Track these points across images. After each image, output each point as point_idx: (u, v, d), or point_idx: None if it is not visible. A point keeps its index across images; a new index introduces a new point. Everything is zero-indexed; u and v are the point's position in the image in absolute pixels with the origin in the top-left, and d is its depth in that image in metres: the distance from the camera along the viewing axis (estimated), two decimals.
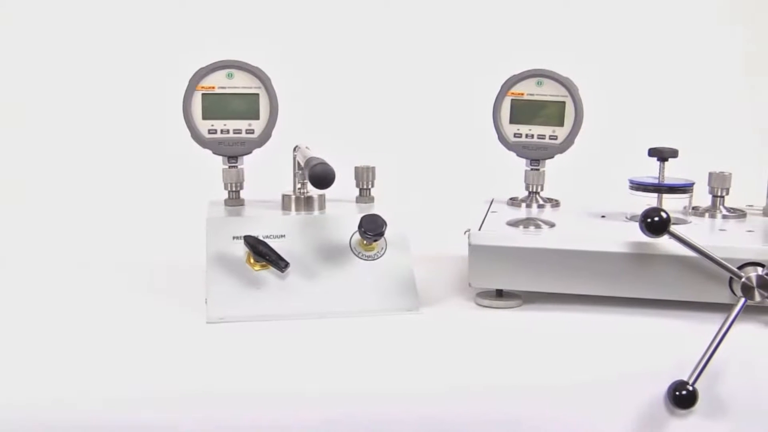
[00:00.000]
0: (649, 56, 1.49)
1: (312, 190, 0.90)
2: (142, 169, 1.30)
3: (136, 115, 1.34)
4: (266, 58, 0.93)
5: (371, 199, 0.95)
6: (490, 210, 0.94)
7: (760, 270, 0.76)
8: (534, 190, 0.98)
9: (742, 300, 0.76)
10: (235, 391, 0.70)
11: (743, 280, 0.76)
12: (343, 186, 0.95)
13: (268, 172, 0.97)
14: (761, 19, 1.54)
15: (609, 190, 0.97)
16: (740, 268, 0.77)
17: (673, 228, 0.74)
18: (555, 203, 0.98)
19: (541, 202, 0.98)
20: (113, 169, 1.31)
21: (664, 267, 0.80)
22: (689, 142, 1.35)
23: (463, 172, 1.27)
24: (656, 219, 0.74)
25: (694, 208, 0.94)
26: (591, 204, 0.97)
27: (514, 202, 0.99)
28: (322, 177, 0.73)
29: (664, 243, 0.78)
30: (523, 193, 0.99)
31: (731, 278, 0.77)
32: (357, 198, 0.95)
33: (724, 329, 0.74)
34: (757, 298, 0.75)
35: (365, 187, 0.94)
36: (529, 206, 0.97)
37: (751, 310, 0.79)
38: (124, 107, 1.35)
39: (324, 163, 0.74)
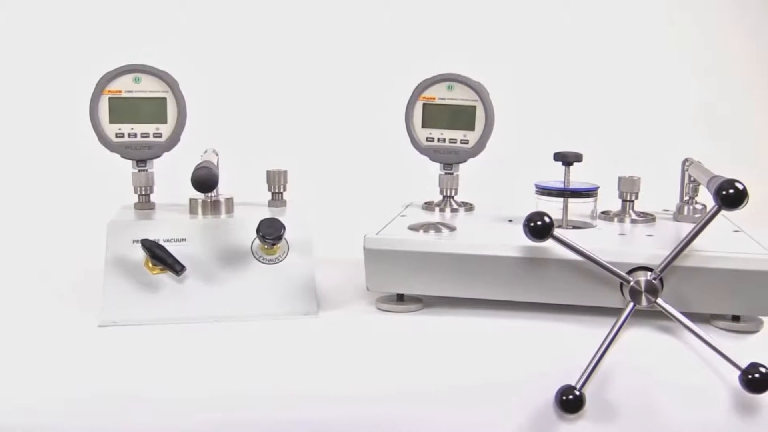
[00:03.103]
0: (574, 61, 1.49)
1: (221, 194, 0.91)
2: (57, 172, 1.30)
3: (46, 119, 1.34)
4: (182, 62, 0.94)
5: (283, 203, 0.95)
6: (400, 214, 0.94)
7: (648, 274, 0.76)
8: (448, 194, 0.97)
9: (631, 304, 0.75)
10: (116, 395, 0.70)
11: (632, 284, 0.75)
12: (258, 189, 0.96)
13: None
14: (669, 22, 1.54)
15: (529, 194, 0.97)
16: (631, 272, 0.77)
17: (557, 232, 0.74)
18: (469, 207, 0.98)
19: (455, 206, 0.98)
20: (23, 172, 1.32)
21: (559, 271, 0.79)
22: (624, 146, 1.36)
23: (391, 176, 1.27)
24: (539, 223, 0.73)
25: (604, 212, 0.94)
26: (504, 208, 0.97)
27: (428, 206, 0.99)
28: (202, 181, 0.73)
29: (559, 248, 0.78)
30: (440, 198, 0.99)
31: (622, 283, 0.77)
32: (269, 202, 0.95)
33: (612, 334, 0.74)
34: (644, 302, 0.75)
35: (277, 191, 0.95)
36: (442, 210, 0.97)
37: (646, 314, 0.79)
38: (32, 111, 1.35)
39: (206, 168, 0.74)
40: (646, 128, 1.48)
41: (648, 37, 1.53)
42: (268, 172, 0.95)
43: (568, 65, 1.49)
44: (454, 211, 0.97)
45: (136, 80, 0.89)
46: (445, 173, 0.97)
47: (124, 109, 0.89)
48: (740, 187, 0.70)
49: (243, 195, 0.95)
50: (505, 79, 1.06)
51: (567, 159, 0.87)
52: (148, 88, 0.89)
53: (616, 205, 0.94)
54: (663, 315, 0.76)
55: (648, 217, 0.92)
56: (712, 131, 1.48)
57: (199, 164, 0.76)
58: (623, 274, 0.76)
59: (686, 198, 0.94)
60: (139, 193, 0.92)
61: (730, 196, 0.70)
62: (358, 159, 1.37)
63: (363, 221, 0.89)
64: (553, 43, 1.50)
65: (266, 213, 0.90)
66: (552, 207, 0.88)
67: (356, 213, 0.99)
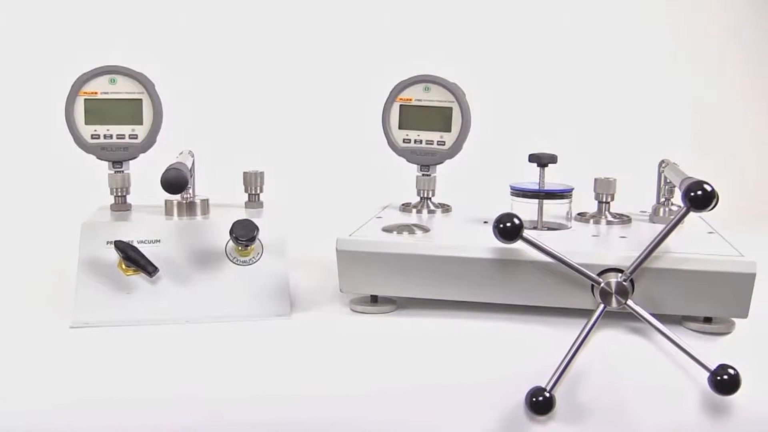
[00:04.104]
0: (551, 62, 1.49)
1: (197, 195, 0.91)
2: (35, 174, 1.31)
3: (22, 121, 1.35)
4: (158, 63, 0.94)
5: (260, 205, 0.95)
6: (376, 215, 0.94)
7: (619, 276, 0.76)
8: (425, 195, 0.97)
9: (601, 306, 0.75)
10: (87, 397, 0.70)
11: (602, 285, 0.75)
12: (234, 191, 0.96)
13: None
14: (643, 24, 1.54)
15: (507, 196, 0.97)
16: (601, 274, 0.77)
17: (527, 234, 0.74)
18: (446, 209, 0.98)
19: (432, 207, 0.98)
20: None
21: (531, 273, 0.79)
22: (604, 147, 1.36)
23: (372, 178, 1.27)
24: (508, 225, 0.73)
25: (581, 213, 0.94)
26: (481, 210, 0.97)
27: (406, 207, 0.99)
28: (171, 182, 0.73)
29: (531, 249, 0.78)
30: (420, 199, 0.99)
31: (593, 284, 0.77)
32: (246, 203, 0.95)
33: (582, 336, 0.74)
34: (614, 304, 0.75)
35: (254, 192, 0.95)
36: (419, 212, 0.97)
37: (618, 316, 0.79)
38: (8, 113, 1.36)
39: (175, 169, 0.74)
40: (629, 129, 1.48)
41: (624, 37, 1.53)
42: (245, 174, 0.95)
43: (544, 66, 1.49)
44: (431, 212, 0.97)
45: (112, 81, 0.89)
46: (422, 175, 0.97)
47: (100, 111, 0.89)
48: (708, 188, 0.70)
49: (221, 196, 0.95)
50: (482, 80, 1.06)
51: (541, 161, 0.87)
52: (124, 89, 0.90)
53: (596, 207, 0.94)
54: (635, 316, 0.76)
55: (624, 219, 0.92)
56: (694, 131, 1.49)
57: (169, 165, 0.76)
58: (593, 275, 0.76)
59: (662, 200, 0.94)
60: (115, 194, 0.92)
61: (699, 197, 0.70)
62: (338, 160, 1.38)
63: (341, 223, 0.89)
64: (530, 44, 1.50)
65: (242, 214, 0.90)
66: (528, 208, 0.88)
67: (335, 214, 1.00)
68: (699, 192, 0.70)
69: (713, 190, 0.70)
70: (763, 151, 1.52)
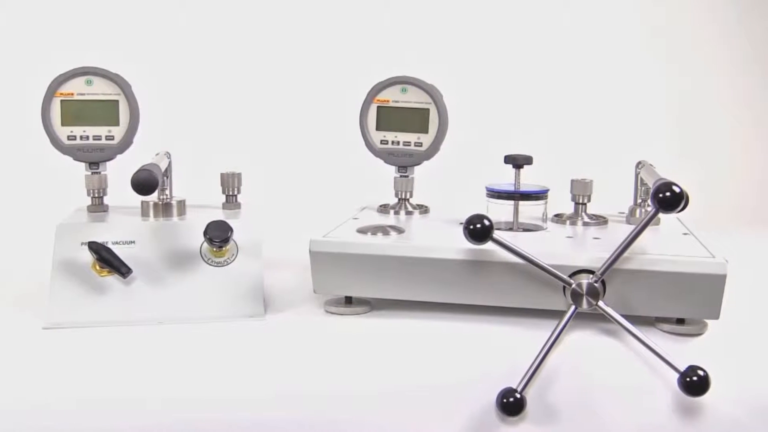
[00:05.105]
0: (530, 63, 1.49)
1: (174, 196, 0.91)
2: (16, 175, 1.31)
3: (0, 123, 1.35)
4: (134, 64, 0.94)
5: (237, 206, 0.95)
6: (353, 216, 0.94)
7: (590, 277, 0.76)
8: (403, 196, 0.98)
9: (572, 307, 0.75)
10: (59, 398, 0.70)
11: (573, 287, 0.75)
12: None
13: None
14: (623, 24, 1.54)
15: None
16: (573, 275, 0.77)
17: (497, 235, 0.74)
18: (424, 210, 0.98)
19: (410, 208, 0.98)
20: None
21: (504, 274, 0.79)
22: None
23: (352, 179, 1.27)
24: (478, 226, 0.73)
25: (557, 215, 0.94)
26: (459, 211, 0.97)
27: (383, 208, 0.99)
28: (141, 184, 0.73)
29: (504, 251, 0.78)
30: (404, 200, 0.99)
31: (564, 286, 0.77)
32: (223, 204, 0.95)
33: (553, 337, 0.74)
34: (585, 305, 0.75)
35: (231, 193, 0.95)
36: (397, 213, 0.97)
37: (591, 317, 0.79)
38: None
39: (146, 170, 0.74)
40: (608, 130, 1.48)
41: (601, 36, 1.53)
42: (222, 175, 0.95)
43: (522, 67, 1.50)
44: (408, 213, 0.97)
45: (88, 83, 0.90)
46: (400, 176, 0.97)
47: (76, 112, 0.89)
48: (677, 189, 0.70)
49: (199, 197, 0.95)
50: (459, 81, 1.06)
51: (517, 162, 0.87)
52: (100, 90, 0.90)
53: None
54: (606, 318, 0.76)
55: (600, 220, 0.92)
56: (673, 133, 1.49)
57: (141, 166, 0.76)
58: (564, 276, 0.76)
59: (639, 201, 0.94)
60: (92, 195, 0.92)
61: (667, 198, 0.70)
62: (316, 162, 1.38)
63: (320, 224, 0.89)
64: (507, 46, 1.51)
65: (219, 215, 0.90)
66: (503, 210, 0.88)
67: (313, 216, 1.00)
68: (668, 193, 0.70)
69: (682, 191, 0.70)
70: (744, 152, 1.53)
